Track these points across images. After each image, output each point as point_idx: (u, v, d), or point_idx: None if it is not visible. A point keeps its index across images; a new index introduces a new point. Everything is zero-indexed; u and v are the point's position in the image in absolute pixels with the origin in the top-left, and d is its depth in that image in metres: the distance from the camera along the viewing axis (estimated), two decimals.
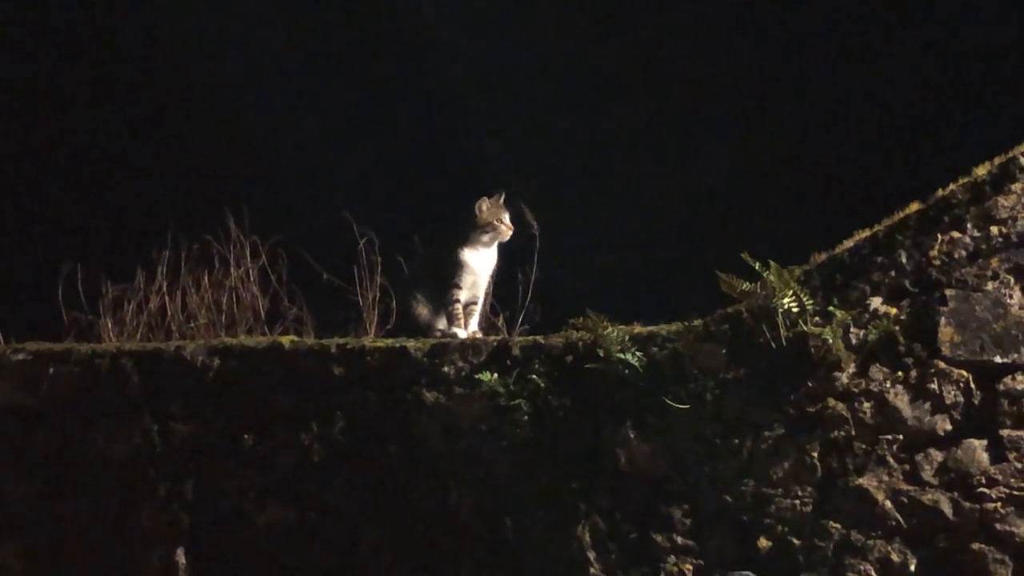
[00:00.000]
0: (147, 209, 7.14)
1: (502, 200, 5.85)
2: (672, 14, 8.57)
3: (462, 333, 5.58)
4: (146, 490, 5.29)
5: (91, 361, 5.43)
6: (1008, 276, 4.66)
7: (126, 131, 8.53)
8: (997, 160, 4.81)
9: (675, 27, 8.54)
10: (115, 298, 5.95)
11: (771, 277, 4.79)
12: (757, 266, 4.82)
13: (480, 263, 5.79)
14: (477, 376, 5.03)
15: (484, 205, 5.78)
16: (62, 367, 5.43)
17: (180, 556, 5.22)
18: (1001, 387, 4.60)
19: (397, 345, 5.23)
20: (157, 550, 5.24)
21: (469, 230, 5.76)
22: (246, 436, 5.22)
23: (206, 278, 6.02)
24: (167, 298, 5.96)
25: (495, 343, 5.21)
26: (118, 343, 5.62)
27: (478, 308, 5.86)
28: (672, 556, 4.80)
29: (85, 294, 6.00)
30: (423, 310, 5.71)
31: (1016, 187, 4.71)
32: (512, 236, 5.89)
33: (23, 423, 5.45)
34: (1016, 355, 4.61)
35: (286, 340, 5.38)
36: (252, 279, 6.07)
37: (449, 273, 5.72)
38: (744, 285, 4.85)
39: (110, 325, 5.87)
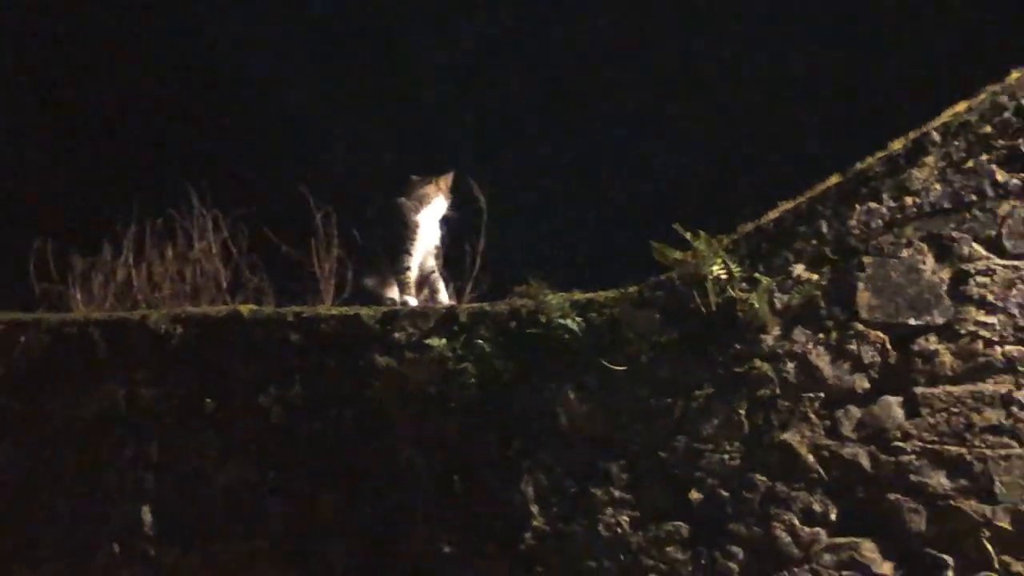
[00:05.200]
0: (113, 184, 7.11)
1: (449, 179, 5.87)
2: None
3: (413, 301, 5.59)
4: (113, 452, 5.30)
5: (60, 330, 5.45)
6: (922, 244, 4.70)
7: (95, 109, 8.47)
8: (912, 135, 4.85)
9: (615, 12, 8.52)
10: (84, 270, 5.94)
11: (701, 246, 4.85)
12: (688, 236, 4.85)
13: (426, 235, 5.79)
14: (426, 342, 5.05)
15: (428, 187, 5.80)
16: (33, 335, 5.44)
17: (146, 514, 5.23)
18: (915, 347, 4.66)
19: (351, 313, 5.25)
20: (124, 508, 5.25)
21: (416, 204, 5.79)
22: (208, 400, 5.24)
23: (170, 251, 6.01)
24: (133, 270, 5.94)
25: (443, 310, 5.25)
26: (86, 312, 5.62)
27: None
28: (610, 509, 4.85)
29: (55, 267, 5.99)
30: (373, 279, 5.73)
31: (929, 160, 4.75)
32: (462, 211, 5.92)
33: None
34: (929, 317, 4.67)
35: (245, 309, 5.40)
36: (214, 252, 6.05)
37: (400, 242, 5.73)
38: (676, 254, 4.88)
39: (79, 296, 5.86)
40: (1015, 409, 4.62)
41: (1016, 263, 4.70)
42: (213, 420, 5.26)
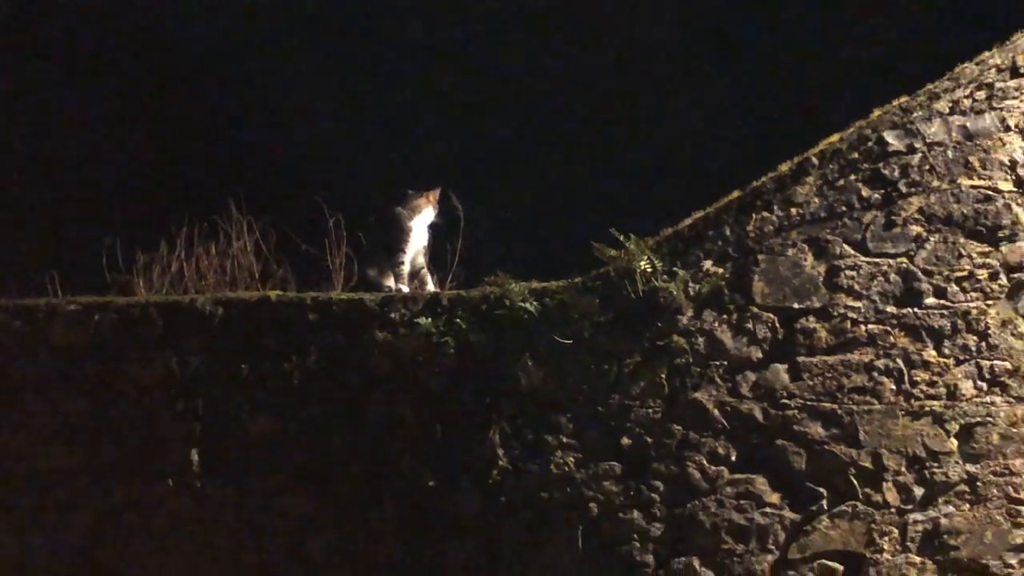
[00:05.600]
0: (169, 194, 7.06)
1: (437, 193, 5.86)
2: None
3: (405, 288, 5.61)
4: (168, 406, 5.30)
5: (126, 310, 5.41)
6: (803, 245, 4.95)
7: (156, 132, 8.23)
8: (796, 159, 5.06)
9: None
10: (145, 263, 5.94)
11: (632, 246, 5.00)
12: (622, 238, 5.02)
13: (417, 237, 5.79)
14: (416, 320, 5.10)
15: (420, 200, 5.81)
16: (105, 315, 5.40)
17: (194, 455, 5.25)
18: (798, 326, 4.92)
19: (356, 298, 5.29)
20: (177, 450, 5.27)
21: (410, 213, 5.78)
22: (243, 366, 5.25)
23: (214, 248, 5.99)
24: (184, 264, 5.93)
25: (429, 296, 5.32)
26: (147, 297, 5.63)
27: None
28: (559, 451, 4.98)
29: (122, 261, 5.97)
30: (374, 270, 5.74)
31: (809, 179, 4.98)
32: (446, 218, 5.91)
33: (75, 356, 5.42)
34: (808, 302, 4.92)
35: (273, 294, 5.42)
36: (248, 249, 6.02)
37: (395, 243, 5.74)
38: (612, 252, 5.03)
39: (141, 283, 5.85)
40: (875, 374, 4.87)
41: (877, 260, 4.93)
42: (247, 382, 5.24)
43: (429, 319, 5.11)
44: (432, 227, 5.90)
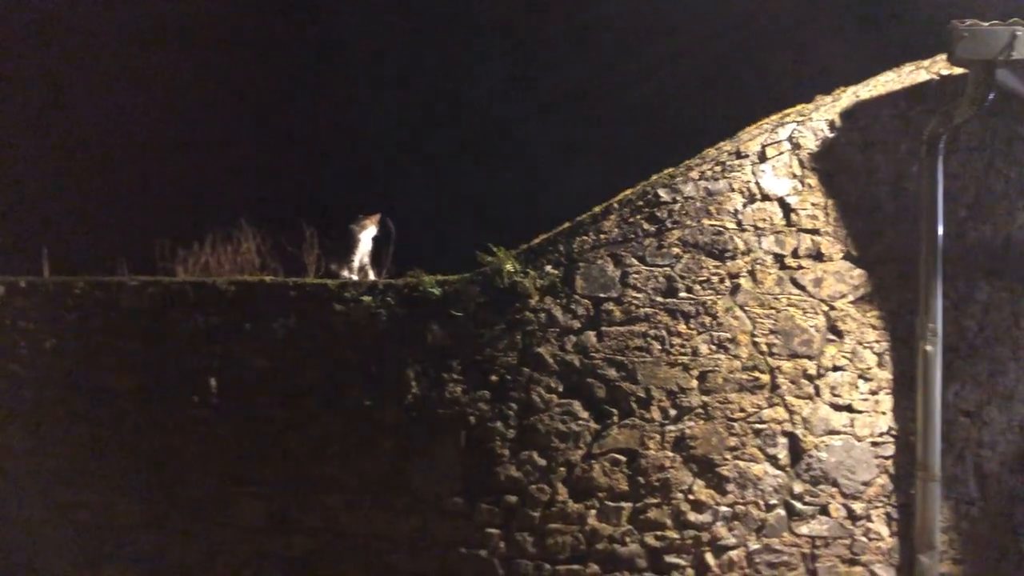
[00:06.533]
0: (201, 209, 6.83)
1: (378, 217, 5.89)
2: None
3: (355, 278, 5.66)
4: (196, 350, 5.35)
5: (169, 286, 5.45)
6: (608, 258, 5.16)
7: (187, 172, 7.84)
8: (604, 204, 5.23)
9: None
10: (183, 257, 5.92)
11: (501, 255, 5.19)
12: (496, 249, 5.21)
13: (364, 245, 5.81)
14: (361, 298, 5.17)
15: (366, 221, 5.81)
16: (156, 288, 5.43)
17: (212, 383, 5.33)
18: (603, 307, 5.15)
19: (322, 282, 5.34)
20: (201, 378, 5.34)
21: (359, 229, 5.80)
22: (247, 325, 5.28)
23: (230, 248, 5.99)
24: (209, 258, 5.93)
25: (370, 282, 5.38)
26: (184, 278, 5.62)
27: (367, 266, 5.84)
28: (451, 384, 5.13)
29: (168, 254, 5.97)
30: (335, 265, 5.78)
31: (612, 216, 5.19)
32: (382, 232, 5.95)
33: (135, 315, 5.43)
34: (609, 293, 5.15)
35: (267, 278, 5.47)
36: (252, 250, 6.02)
37: (349, 248, 5.80)
38: (488, 258, 5.19)
39: (181, 269, 5.85)
40: (648, 339, 5.10)
41: (652, 268, 5.15)
42: (249, 334, 5.26)
43: (370, 297, 5.17)
44: (374, 239, 5.89)
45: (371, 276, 5.72)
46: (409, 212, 6.33)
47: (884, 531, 5.25)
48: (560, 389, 5.13)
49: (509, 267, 5.18)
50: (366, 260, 5.77)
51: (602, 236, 5.23)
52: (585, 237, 5.23)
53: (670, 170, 5.29)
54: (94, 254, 5.90)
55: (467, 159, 7.87)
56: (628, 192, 5.30)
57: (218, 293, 5.39)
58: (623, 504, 5.12)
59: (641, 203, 5.25)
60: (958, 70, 5.26)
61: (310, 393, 5.25)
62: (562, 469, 5.12)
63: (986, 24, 4.84)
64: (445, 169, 7.69)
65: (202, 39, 8.04)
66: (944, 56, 5.15)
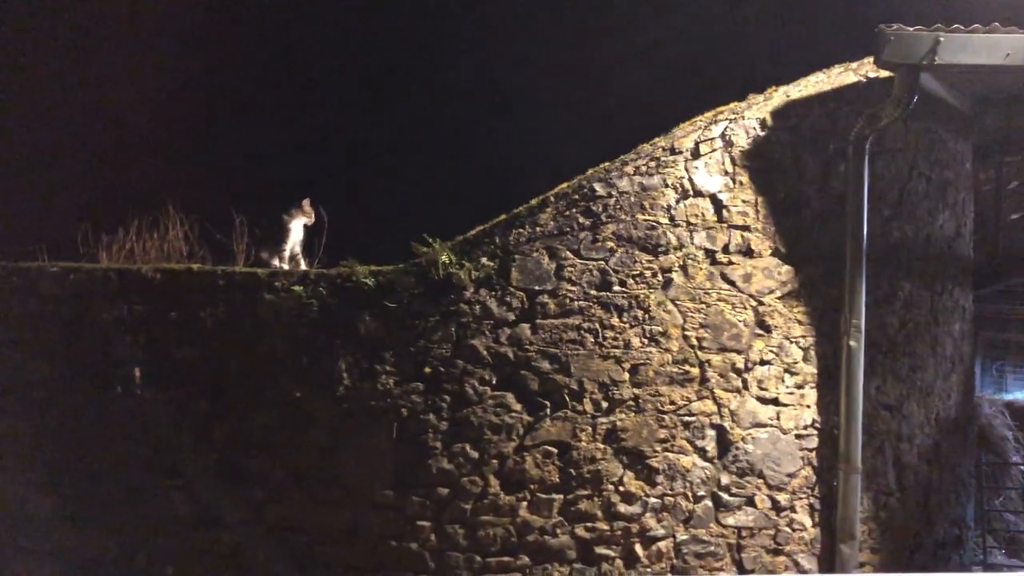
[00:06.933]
0: (126, 195, 6.58)
1: (307, 204, 5.80)
2: None
3: (286, 267, 5.59)
4: (119, 338, 5.21)
5: (92, 272, 5.33)
6: (543, 251, 5.17)
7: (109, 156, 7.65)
8: (541, 197, 5.26)
9: None
10: (107, 243, 5.74)
11: (436, 246, 5.18)
12: (431, 240, 5.19)
13: (295, 234, 5.74)
14: (292, 287, 5.13)
15: (298, 210, 5.71)
16: (77, 275, 5.31)
17: (136, 372, 5.21)
18: (537, 300, 5.15)
19: (252, 271, 5.28)
20: (125, 369, 5.21)
21: (291, 218, 5.71)
22: (173, 314, 5.20)
23: (156, 234, 5.81)
24: (135, 244, 5.74)
25: (301, 272, 5.30)
26: (107, 265, 5.47)
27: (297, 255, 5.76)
28: (383, 376, 5.06)
29: (92, 241, 5.77)
30: (266, 253, 5.68)
31: (549, 209, 5.20)
32: (314, 221, 5.87)
33: (55, 303, 5.27)
34: (545, 286, 5.15)
35: (195, 266, 5.38)
36: (179, 237, 5.83)
37: (280, 236, 5.71)
38: (423, 249, 5.18)
39: (105, 257, 5.68)
40: (582, 332, 5.11)
41: (586, 262, 5.16)
42: (175, 324, 5.18)
43: (301, 287, 5.13)
44: (307, 228, 5.84)
45: (302, 266, 5.65)
46: (344, 201, 6.25)
47: (807, 522, 5.37)
48: (494, 381, 5.11)
49: (444, 258, 5.16)
50: (298, 249, 5.70)
51: (538, 229, 5.23)
52: (521, 230, 5.23)
53: (606, 164, 5.32)
54: (12, 239, 5.67)
55: (404, 149, 7.76)
56: (564, 185, 5.32)
57: (143, 281, 5.31)
58: (554, 496, 5.13)
59: (577, 197, 5.26)
60: (885, 73, 5.40)
61: (238, 384, 5.18)
62: (494, 461, 5.11)
63: (911, 29, 4.98)
64: (381, 159, 7.56)
65: (126, 21, 7.93)
66: (871, 59, 5.27)
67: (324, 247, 5.75)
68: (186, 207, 6.01)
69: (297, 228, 5.73)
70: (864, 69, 5.68)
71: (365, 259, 5.27)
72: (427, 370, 5.11)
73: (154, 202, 5.90)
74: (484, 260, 5.17)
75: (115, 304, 5.26)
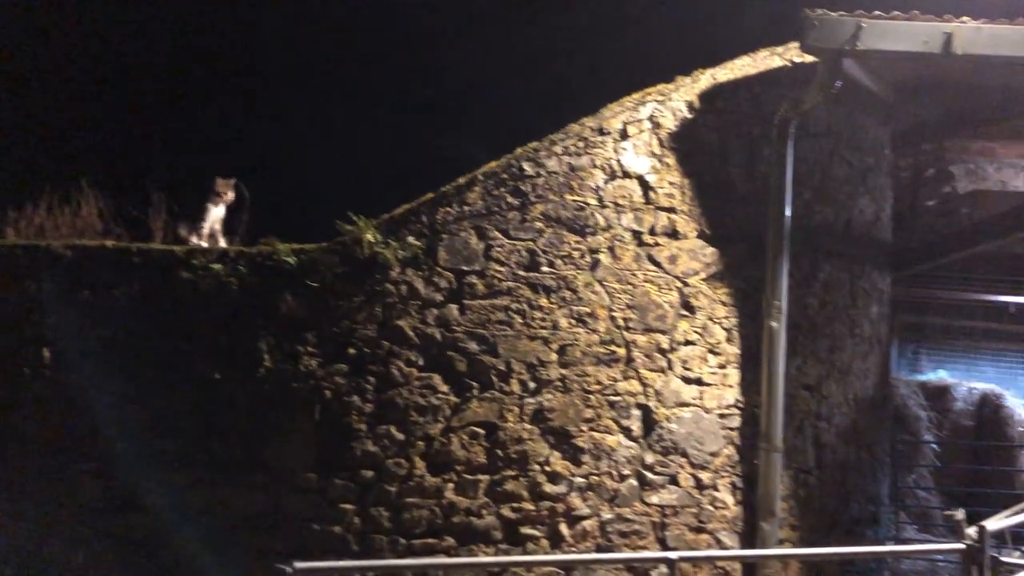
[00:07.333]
0: (38, 168, 6.45)
1: (231, 183, 5.67)
2: None
3: (205, 244, 5.46)
4: (27, 319, 5.10)
5: None
6: (471, 230, 5.14)
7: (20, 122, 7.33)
8: (469, 175, 5.20)
9: None
10: (14, 218, 5.59)
11: (362, 224, 5.09)
12: (356, 218, 5.09)
13: (216, 211, 5.61)
14: (210, 265, 5.05)
15: (220, 187, 5.60)
16: None
17: (46, 353, 5.11)
18: (466, 280, 5.12)
19: (169, 248, 5.20)
20: (34, 350, 5.11)
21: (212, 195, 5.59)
22: (86, 292, 5.12)
23: (68, 211, 5.69)
24: (46, 220, 5.62)
25: (221, 250, 5.22)
26: (14, 241, 5.36)
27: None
28: (306, 357, 5.02)
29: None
30: (184, 231, 5.56)
31: (477, 188, 5.16)
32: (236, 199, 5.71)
33: None
34: (473, 266, 5.12)
35: (109, 243, 5.28)
36: (93, 213, 5.73)
37: (199, 213, 5.58)
38: (348, 227, 5.09)
39: (12, 232, 5.52)
40: (510, 313, 5.10)
41: (515, 242, 5.15)
42: (88, 302, 5.10)
43: (220, 265, 5.04)
44: (229, 207, 5.71)
45: (222, 243, 5.55)
46: (268, 179, 6.11)
47: (729, 500, 5.47)
48: (420, 363, 5.08)
49: (369, 237, 5.09)
50: (217, 227, 5.59)
51: (466, 208, 5.19)
52: (449, 208, 5.18)
53: (534, 144, 5.30)
54: None
55: (330, 126, 7.62)
56: (493, 164, 5.29)
57: (53, 258, 5.20)
58: (481, 477, 5.12)
59: (506, 176, 5.24)
60: (809, 58, 5.48)
61: (155, 366, 5.09)
62: (420, 443, 5.07)
63: (835, 14, 5.06)
64: (306, 135, 7.41)
65: None
66: (797, 44, 5.34)
67: (247, 225, 5.67)
68: (101, 182, 5.89)
69: (218, 205, 5.62)
70: (790, 54, 5.76)
71: (289, 238, 5.20)
72: (351, 351, 5.04)
73: (66, 176, 5.78)
74: (411, 239, 5.11)
75: (22, 282, 5.13)
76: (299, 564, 3.27)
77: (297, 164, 7.31)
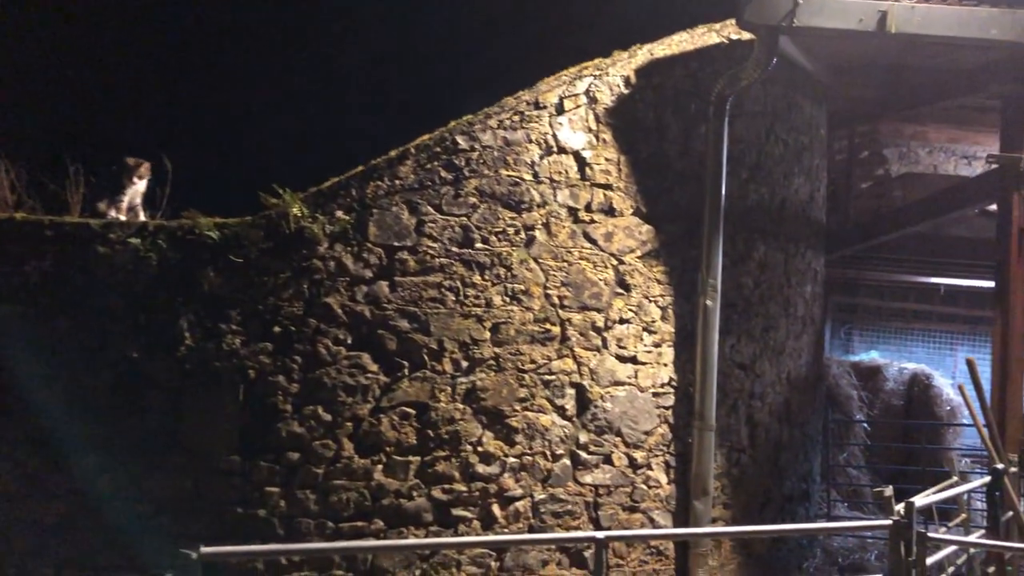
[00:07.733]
0: None
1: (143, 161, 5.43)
2: None
3: (123, 218, 5.26)
4: None
5: None
6: (403, 205, 5.02)
7: None
8: (401, 148, 5.08)
9: None
10: None
11: (287, 197, 4.95)
12: (282, 191, 4.94)
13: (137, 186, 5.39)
14: (128, 240, 4.88)
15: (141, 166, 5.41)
16: None
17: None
18: (396, 256, 4.96)
19: (84, 221, 4.98)
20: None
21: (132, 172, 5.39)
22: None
23: None
24: None
25: (140, 223, 5.03)
26: None
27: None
28: (229, 335, 4.85)
29: None
30: (103, 204, 5.34)
31: (409, 161, 5.05)
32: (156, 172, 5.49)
33: None
34: (404, 242, 5.01)
35: (19, 215, 5.06)
36: (6, 185, 5.39)
37: (119, 186, 5.37)
38: (273, 200, 4.96)
39: None
40: (443, 290, 5.01)
41: (448, 218, 5.06)
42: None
43: (138, 239, 4.89)
44: (148, 179, 5.50)
45: (141, 217, 5.35)
46: (191, 150, 5.84)
47: (663, 479, 5.47)
48: (349, 341, 4.97)
49: (296, 211, 4.95)
50: (138, 201, 5.39)
51: (397, 182, 5.08)
52: (379, 182, 5.05)
53: (468, 117, 5.21)
54: None
55: (256, 96, 7.38)
56: (426, 137, 5.18)
57: None
58: (411, 458, 5.03)
59: (439, 149, 5.13)
60: (747, 35, 5.45)
61: (68, 343, 4.87)
62: (349, 424, 4.96)
63: None
64: (231, 106, 7.16)
65: None
66: (734, 21, 5.30)
67: (169, 199, 5.44)
68: (14, 155, 5.58)
69: (138, 183, 5.40)
70: (727, 31, 5.72)
71: (212, 211, 5.04)
72: (277, 329, 4.91)
73: None
74: (339, 214, 4.99)
75: None
76: (206, 549, 3.10)
77: (224, 136, 7.03)
